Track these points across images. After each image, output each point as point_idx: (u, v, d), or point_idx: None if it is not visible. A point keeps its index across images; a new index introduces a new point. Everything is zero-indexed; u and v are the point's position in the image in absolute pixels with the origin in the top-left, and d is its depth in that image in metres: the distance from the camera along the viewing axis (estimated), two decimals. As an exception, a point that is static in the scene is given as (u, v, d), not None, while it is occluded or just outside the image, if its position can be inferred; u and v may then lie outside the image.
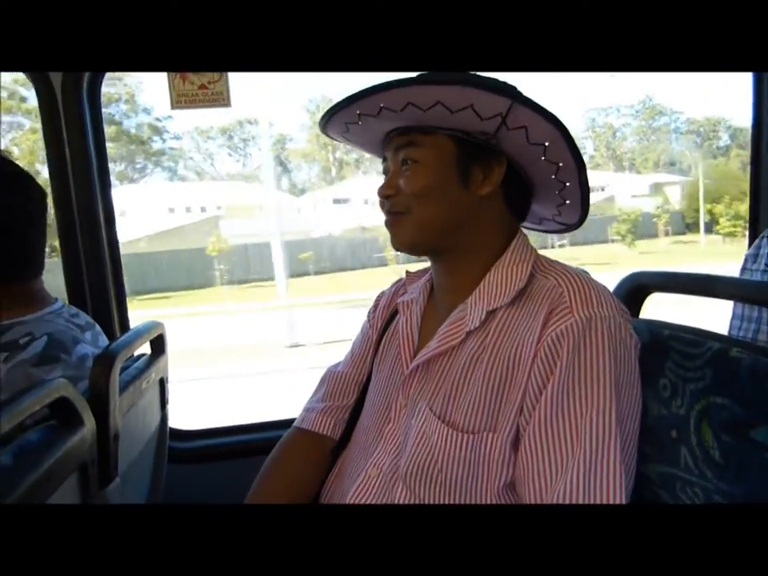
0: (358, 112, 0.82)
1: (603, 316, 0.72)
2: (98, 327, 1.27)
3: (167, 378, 1.40)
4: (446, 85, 0.74)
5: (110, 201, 1.48)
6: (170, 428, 1.52)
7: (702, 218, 22.79)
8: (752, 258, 1.01)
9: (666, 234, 24.45)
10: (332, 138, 0.95)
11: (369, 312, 1.07)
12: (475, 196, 0.82)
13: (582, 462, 0.67)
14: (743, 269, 1.03)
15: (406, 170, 0.82)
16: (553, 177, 0.82)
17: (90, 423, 0.89)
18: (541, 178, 0.84)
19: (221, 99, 1.52)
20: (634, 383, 0.73)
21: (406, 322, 0.90)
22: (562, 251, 22.24)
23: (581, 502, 0.66)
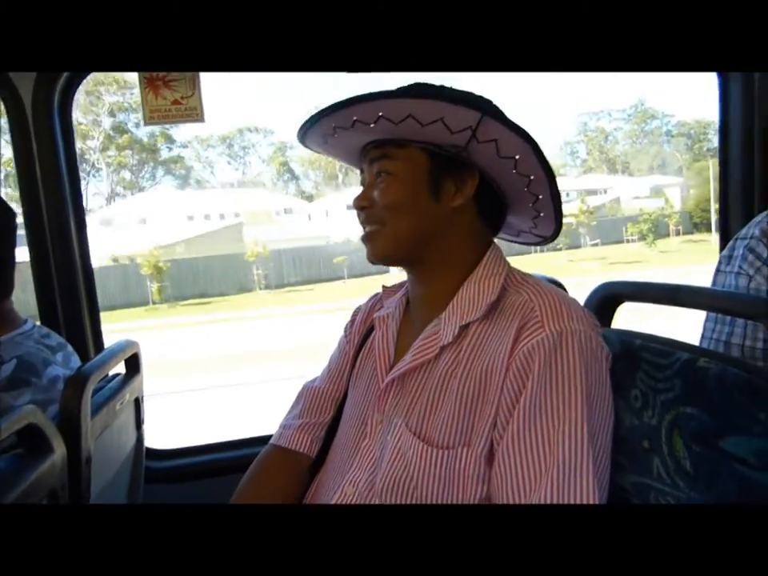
0: (333, 125, 0.82)
1: (574, 330, 0.73)
2: (70, 348, 1.25)
3: (143, 398, 1.39)
4: (416, 98, 0.75)
5: (82, 217, 1.46)
6: (147, 448, 1.50)
7: (713, 218, 23.16)
8: (726, 260, 1.02)
9: (677, 233, 24.86)
10: (312, 151, 0.96)
11: (346, 327, 1.06)
12: (447, 208, 0.83)
13: (555, 476, 0.67)
14: (717, 270, 1.04)
15: (380, 182, 0.83)
16: (525, 189, 0.83)
17: (60, 449, 0.88)
18: (513, 190, 0.85)
19: (194, 114, 1.52)
20: (605, 396, 0.74)
21: (381, 337, 0.90)
22: (594, 250, 22.61)
23: None
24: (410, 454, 0.76)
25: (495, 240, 0.91)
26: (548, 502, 0.67)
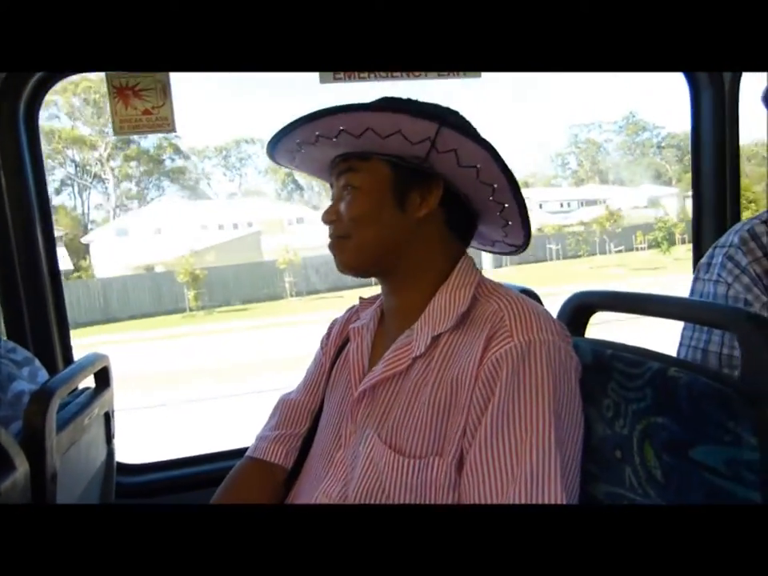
0: (297, 141, 0.82)
1: (543, 340, 0.73)
2: (37, 363, 1.22)
3: (113, 412, 1.36)
4: (374, 111, 0.76)
5: (49, 226, 1.43)
6: (118, 462, 1.47)
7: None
8: (705, 268, 1.02)
9: (683, 241, 25.39)
10: (283, 166, 0.96)
11: (322, 339, 1.06)
12: (413, 219, 0.83)
13: (522, 484, 0.67)
14: (696, 278, 1.04)
15: (346, 195, 0.84)
16: (490, 198, 0.83)
17: (22, 466, 0.85)
18: (480, 199, 0.85)
19: (165, 124, 1.50)
20: (574, 406, 0.74)
21: (356, 348, 0.90)
22: (617, 256, 22.93)
23: None
24: (382, 464, 0.76)
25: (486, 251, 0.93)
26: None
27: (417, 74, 1.51)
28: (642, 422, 0.76)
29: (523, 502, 0.67)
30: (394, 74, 1.50)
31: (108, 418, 1.33)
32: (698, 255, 1.89)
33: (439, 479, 0.73)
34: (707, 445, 0.67)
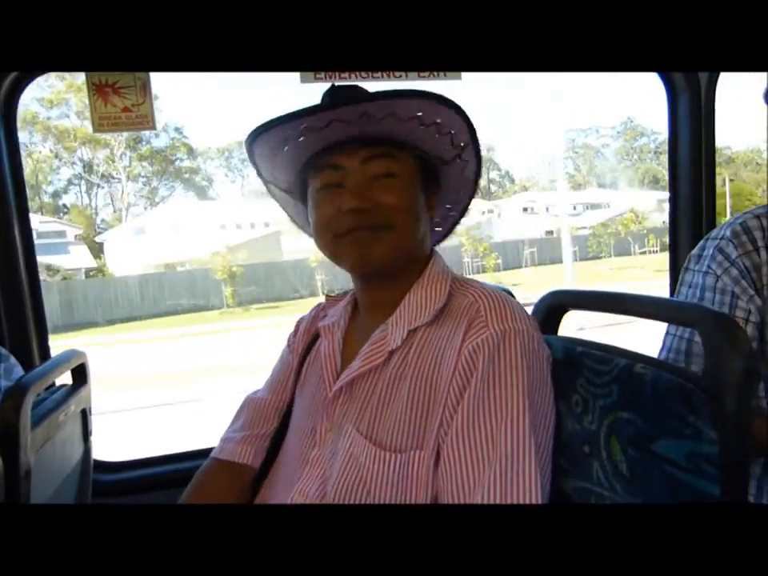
0: (284, 137, 0.80)
1: (517, 329, 0.75)
2: (12, 359, 1.22)
3: (90, 409, 1.35)
4: (398, 98, 0.76)
5: (27, 225, 1.43)
6: (95, 460, 1.46)
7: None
8: (696, 259, 1.03)
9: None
10: (253, 162, 0.90)
11: (289, 338, 1.05)
12: (428, 218, 0.87)
13: (498, 468, 0.69)
14: (686, 268, 1.05)
15: (386, 182, 0.80)
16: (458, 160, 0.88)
17: (-6, 462, 0.85)
18: (455, 188, 0.91)
19: (145, 122, 1.50)
20: (546, 393, 0.76)
21: (328, 345, 0.89)
22: (643, 258, 23.22)
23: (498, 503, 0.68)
24: (362, 459, 0.76)
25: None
26: (492, 493, 0.68)
27: (397, 74, 1.52)
28: (609, 418, 0.78)
29: (499, 485, 0.68)
30: (375, 74, 1.51)
31: (85, 415, 1.33)
32: (674, 255, 1.92)
33: (421, 472, 0.75)
34: (669, 439, 0.69)
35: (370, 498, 0.76)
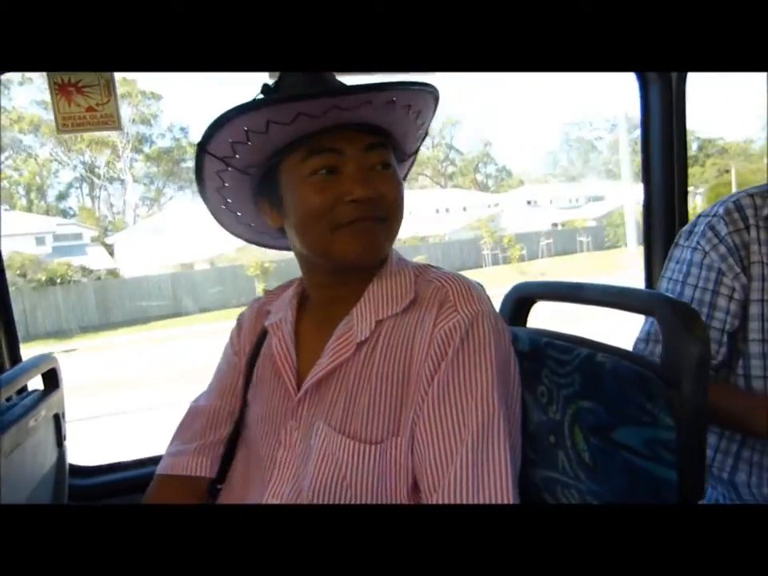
0: (267, 119, 0.75)
1: (485, 311, 0.76)
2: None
3: (63, 414, 1.34)
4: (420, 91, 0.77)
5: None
6: (71, 465, 1.45)
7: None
8: (686, 235, 1.05)
9: None
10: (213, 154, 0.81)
11: (231, 338, 1.00)
12: None
13: (470, 444, 0.70)
14: (675, 244, 1.07)
15: (383, 173, 0.79)
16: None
17: (-43, 471, 0.84)
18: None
19: (111, 122, 1.48)
20: (512, 370, 0.78)
21: (280, 343, 0.87)
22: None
23: (472, 482, 0.69)
24: (339, 454, 0.76)
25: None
26: (465, 470, 0.69)
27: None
28: (572, 407, 0.79)
29: (471, 463, 0.70)
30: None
31: (58, 419, 1.31)
32: (649, 244, 1.94)
33: (400, 459, 0.75)
34: (628, 426, 0.70)
35: (350, 491, 0.76)
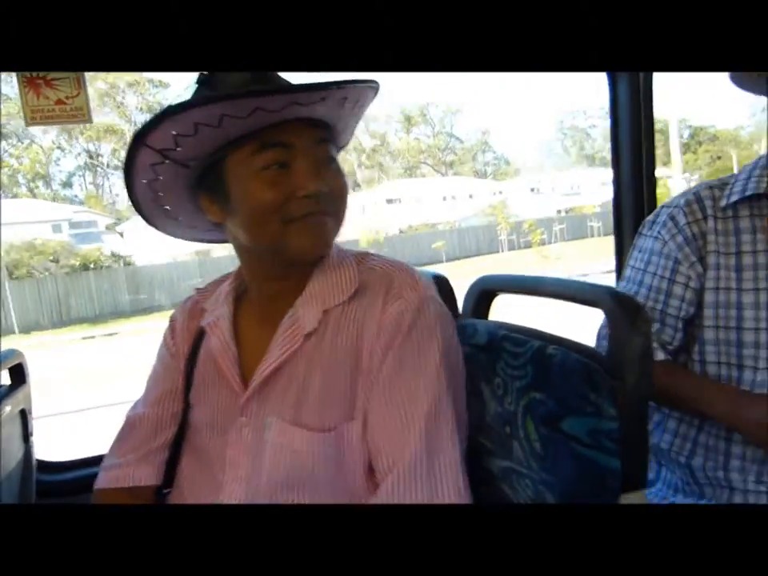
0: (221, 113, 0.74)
1: (430, 296, 0.80)
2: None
3: (30, 409, 1.34)
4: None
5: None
6: (39, 460, 1.45)
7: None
8: (649, 224, 1.08)
9: None
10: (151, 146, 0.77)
11: (165, 341, 0.97)
12: None
13: (423, 425, 0.73)
14: (639, 233, 1.10)
15: (331, 168, 0.80)
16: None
17: None
18: None
19: (80, 115, 1.47)
20: (457, 357, 0.81)
21: (219, 342, 0.86)
22: None
23: (426, 462, 0.73)
24: (295, 445, 0.77)
25: None
26: (419, 450, 0.73)
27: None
28: (525, 398, 0.80)
29: (423, 440, 0.73)
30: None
31: (25, 415, 1.31)
32: (619, 232, 1.96)
33: (354, 443, 0.77)
34: (575, 417, 0.71)
35: (310, 481, 0.77)
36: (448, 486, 0.73)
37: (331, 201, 0.79)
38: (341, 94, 0.76)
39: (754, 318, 0.94)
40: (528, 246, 19.56)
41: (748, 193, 0.95)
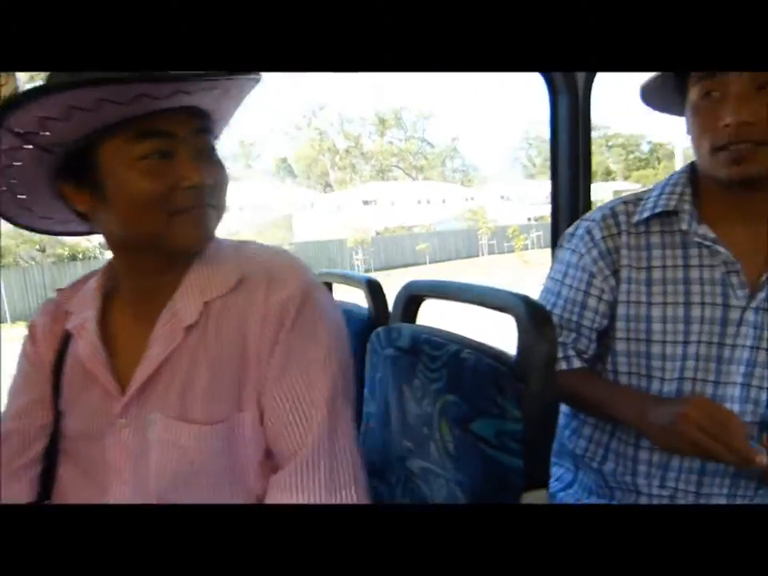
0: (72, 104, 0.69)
1: (316, 284, 0.81)
2: None
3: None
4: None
5: None
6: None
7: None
8: (568, 237, 1.11)
9: None
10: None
11: (24, 351, 0.90)
12: None
13: (324, 408, 0.75)
14: (560, 245, 1.14)
15: (213, 158, 0.78)
16: None
17: None
18: None
19: (10, 105, 1.43)
20: (345, 339, 0.83)
21: (88, 345, 0.82)
22: None
23: (329, 443, 0.75)
24: (183, 441, 0.76)
25: None
26: (322, 432, 0.75)
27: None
28: (440, 401, 0.83)
29: (326, 425, 0.75)
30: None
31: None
32: (555, 237, 2.03)
33: (247, 433, 0.77)
34: (483, 418, 0.75)
35: (201, 478, 0.76)
36: (348, 474, 0.76)
37: (215, 192, 0.78)
38: (229, 84, 0.75)
39: (661, 332, 0.99)
40: (511, 250, 19.98)
41: (658, 210, 0.99)
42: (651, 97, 1.05)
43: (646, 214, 1.01)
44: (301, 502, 0.73)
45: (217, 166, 0.79)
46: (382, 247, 20.27)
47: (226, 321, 0.79)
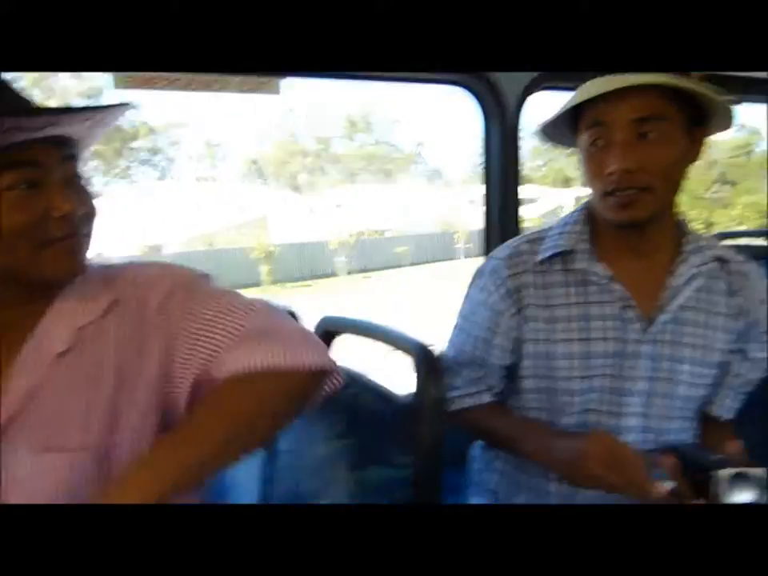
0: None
1: (198, 274, 0.81)
2: None
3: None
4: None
5: None
6: None
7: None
8: (479, 275, 1.11)
9: None
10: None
11: None
12: None
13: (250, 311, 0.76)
14: (471, 282, 1.13)
15: (80, 186, 0.76)
16: None
17: None
18: None
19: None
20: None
21: None
22: None
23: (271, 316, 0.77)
24: (64, 473, 0.72)
25: None
26: (262, 315, 0.76)
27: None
28: (335, 444, 0.83)
29: (261, 311, 0.76)
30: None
31: None
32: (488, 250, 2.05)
33: (124, 457, 0.73)
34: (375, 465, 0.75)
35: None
36: (299, 330, 0.77)
37: (86, 220, 0.75)
38: (103, 115, 0.74)
39: (566, 368, 1.01)
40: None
41: (558, 250, 1.02)
42: (549, 136, 1.08)
43: (547, 254, 1.03)
44: (259, 359, 0.71)
45: (86, 193, 0.76)
46: (362, 250, 20.32)
47: (103, 345, 0.75)
